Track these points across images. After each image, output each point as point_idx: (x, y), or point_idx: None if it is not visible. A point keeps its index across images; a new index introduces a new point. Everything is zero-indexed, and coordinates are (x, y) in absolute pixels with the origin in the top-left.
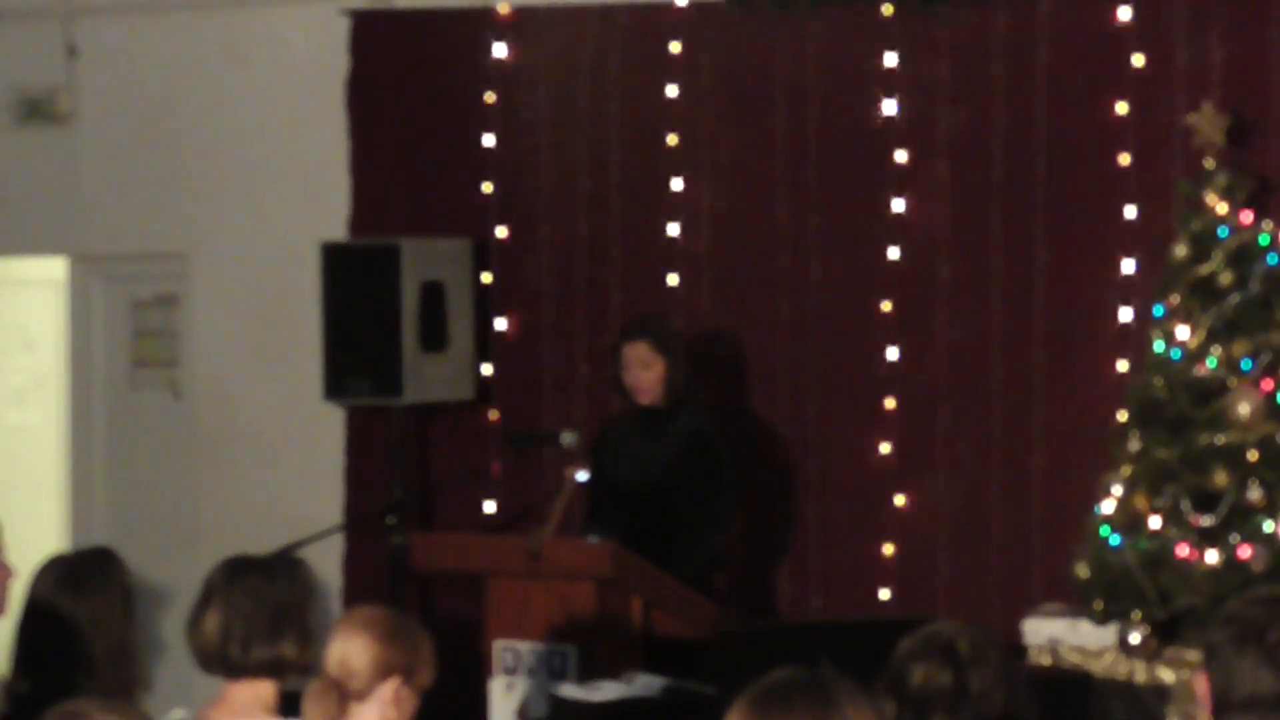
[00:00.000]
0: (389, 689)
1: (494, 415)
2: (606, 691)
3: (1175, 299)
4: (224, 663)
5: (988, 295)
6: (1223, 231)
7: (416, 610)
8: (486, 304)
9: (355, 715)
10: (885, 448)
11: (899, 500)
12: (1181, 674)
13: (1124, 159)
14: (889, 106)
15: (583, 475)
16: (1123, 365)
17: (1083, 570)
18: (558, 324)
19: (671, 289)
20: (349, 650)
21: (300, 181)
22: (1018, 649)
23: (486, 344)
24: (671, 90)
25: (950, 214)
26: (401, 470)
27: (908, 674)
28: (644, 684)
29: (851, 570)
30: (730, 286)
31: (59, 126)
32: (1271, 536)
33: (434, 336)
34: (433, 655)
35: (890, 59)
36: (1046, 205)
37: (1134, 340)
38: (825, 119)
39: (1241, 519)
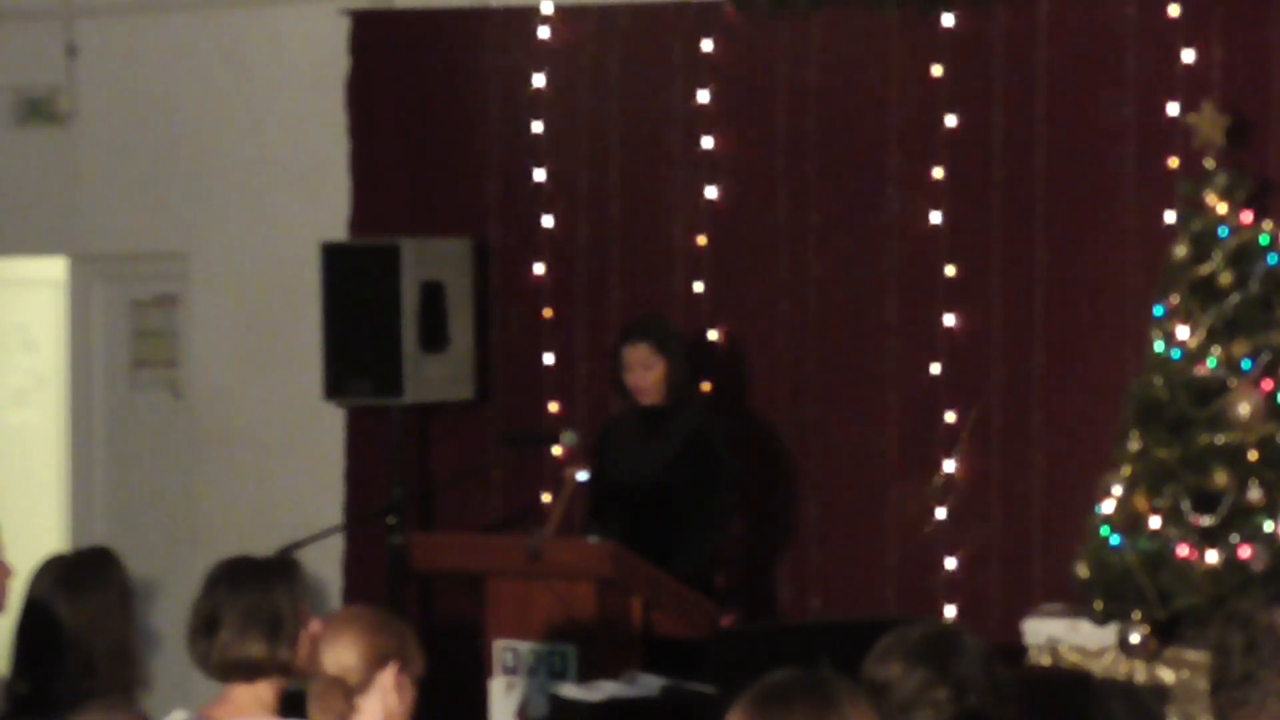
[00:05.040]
0: (388, 676)
1: (494, 415)
2: (606, 691)
3: (1175, 299)
4: (224, 663)
5: (988, 295)
6: (1223, 231)
7: (416, 610)
8: (486, 304)
9: (359, 709)
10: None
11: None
12: (1181, 674)
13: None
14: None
15: (583, 475)
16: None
17: (1083, 570)
18: (558, 324)
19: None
20: (340, 649)
21: (300, 181)
22: (1018, 649)
23: (486, 344)
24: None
25: (950, 214)
26: (401, 470)
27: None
28: (644, 684)
29: (851, 570)
30: (730, 286)
31: (59, 126)
32: (1271, 536)
33: (434, 336)
34: (419, 645)
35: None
36: (1046, 205)
37: (1134, 340)
38: (825, 119)
39: (1241, 519)
